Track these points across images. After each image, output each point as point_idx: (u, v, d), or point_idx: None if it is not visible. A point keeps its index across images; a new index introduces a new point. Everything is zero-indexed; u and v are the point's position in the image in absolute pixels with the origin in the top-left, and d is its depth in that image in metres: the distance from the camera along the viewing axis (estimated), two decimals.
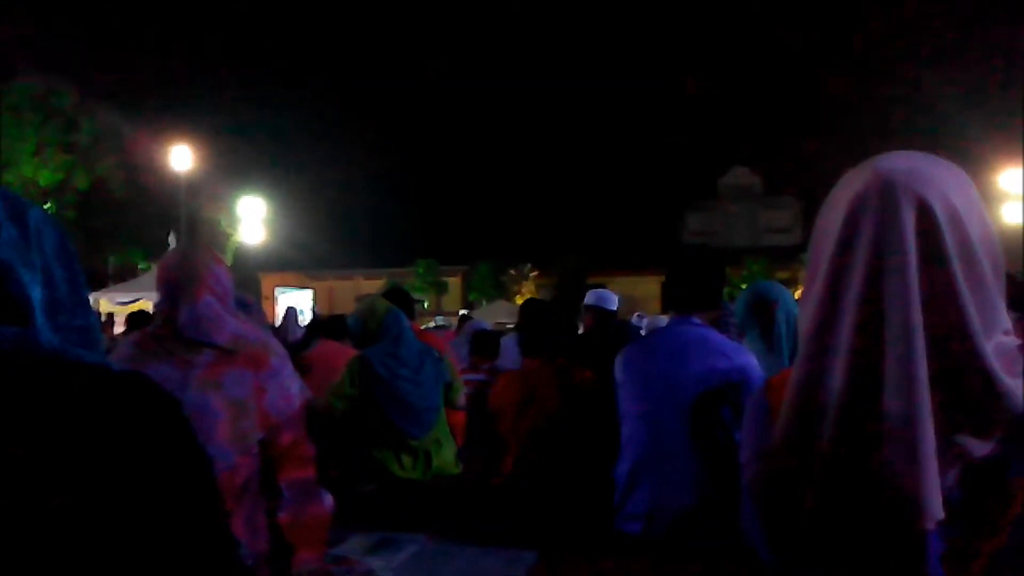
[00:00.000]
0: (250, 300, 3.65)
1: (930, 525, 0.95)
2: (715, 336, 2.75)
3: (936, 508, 0.95)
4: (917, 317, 0.98)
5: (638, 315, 10.79)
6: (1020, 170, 21.82)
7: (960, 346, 0.99)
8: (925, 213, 1.02)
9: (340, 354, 4.58)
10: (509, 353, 5.37)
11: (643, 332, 6.25)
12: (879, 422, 0.97)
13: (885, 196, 1.03)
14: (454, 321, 15.40)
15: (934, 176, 1.05)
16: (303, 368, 4.69)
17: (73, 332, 0.91)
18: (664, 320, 5.06)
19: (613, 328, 5.18)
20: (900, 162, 1.07)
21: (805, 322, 1.09)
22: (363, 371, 3.72)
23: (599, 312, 5.38)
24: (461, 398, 4.20)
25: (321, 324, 6.03)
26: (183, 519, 0.84)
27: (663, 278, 3.02)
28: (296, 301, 20.69)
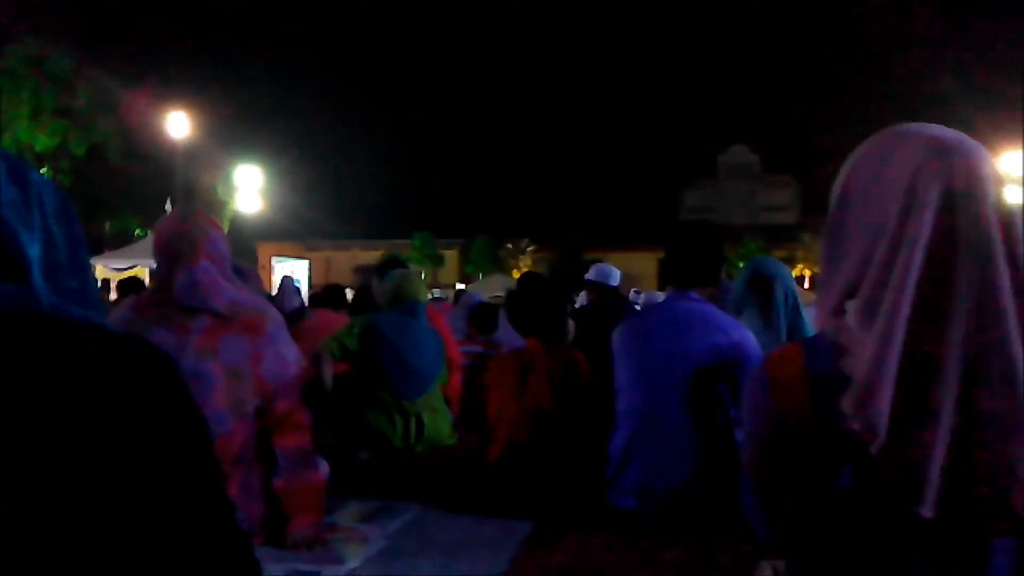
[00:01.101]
0: (246, 267, 3.64)
1: None
2: (713, 312, 2.75)
3: None
4: (1007, 301, 0.98)
5: (635, 291, 10.81)
6: (1020, 153, 21.77)
7: None
8: (986, 179, 1.02)
9: (336, 323, 4.59)
10: (509, 326, 5.37)
11: (639, 307, 6.26)
12: (981, 393, 0.96)
13: (951, 163, 1.02)
14: (450, 294, 15.40)
15: (974, 145, 1.06)
16: (299, 337, 4.70)
17: (72, 293, 0.90)
18: (660, 296, 5.05)
19: (612, 303, 5.19)
20: (946, 131, 1.06)
21: (842, 288, 1.07)
22: (369, 330, 3.75)
23: (600, 287, 5.38)
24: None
25: (323, 295, 6.02)
26: (180, 479, 0.83)
27: (660, 255, 3.00)
28: (292, 271, 20.66)
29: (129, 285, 8.33)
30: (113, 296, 10.59)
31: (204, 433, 0.89)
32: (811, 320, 2.86)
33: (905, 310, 0.98)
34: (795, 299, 2.91)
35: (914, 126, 1.09)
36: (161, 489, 0.81)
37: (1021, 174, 21.97)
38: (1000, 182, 1.03)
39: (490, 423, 3.38)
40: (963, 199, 1.00)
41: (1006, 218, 1.01)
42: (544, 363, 3.31)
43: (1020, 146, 22.19)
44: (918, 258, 0.99)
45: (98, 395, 0.79)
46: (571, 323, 3.70)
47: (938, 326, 0.97)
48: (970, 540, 0.97)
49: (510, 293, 5.84)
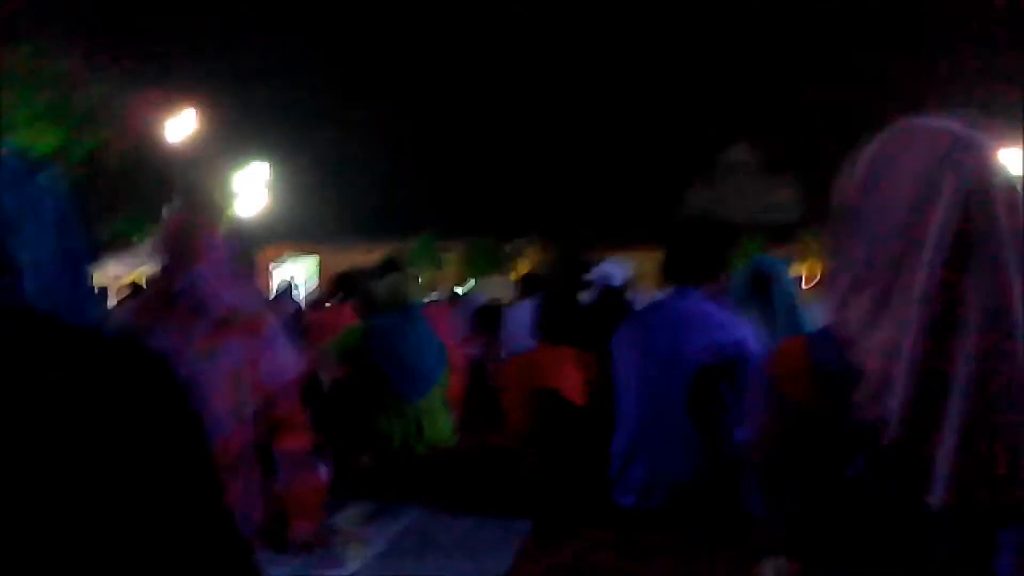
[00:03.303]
0: (244, 271, 3.64)
1: None
2: (714, 310, 2.74)
3: None
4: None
5: (637, 290, 10.75)
6: (1018, 151, 21.78)
7: None
8: (1000, 175, 1.04)
9: (343, 320, 4.61)
10: (515, 326, 5.35)
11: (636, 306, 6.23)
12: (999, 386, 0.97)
13: (965, 155, 1.03)
14: (447, 295, 15.37)
15: (987, 140, 1.07)
16: (304, 335, 4.71)
17: (68, 299, 0.90)
18: (658, 295, 5.03)
19: (612, 304, 5.17)
20: (962, 126, 1.07)
21: (854, 279, 1.07)
22: (369, 333, 3.75)
23: (602, 288, 5.36)
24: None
25: (337, 284, 6.03)
26: (178, 484, 0.83)
27: (660, 254, 3.00)
28: (294, 271, 20.63)
29: (130, 290, 8.35)
30: (114, 301, 10.59)
31: (202, 437, 0.88)
32: (810, 318, 2.86)
33: (921, 303, 0.99)
34: (794, 297, 2.91)
35: (931, 119, 1.09)
36: (158, 494, 0.80)
37: (1019, 172, 21.97)
38: (1009, 179, 1.04)
39: (506, 409, 3.38)
40: (979, 194, 1.01)
41: (1016, 213, 1.01)
42: (578, 368, 3.31)
43: (1018, 144, 22.20)
44: (935, 250, 0.99)
45: (91, 400, 0.79)
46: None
47: (953, 319, 0.98)
48: (977, 531, 0.97)
49: (525, 293, 5.83)
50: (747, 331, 2.68)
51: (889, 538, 1.00)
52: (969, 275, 0.98)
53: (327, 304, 6.13)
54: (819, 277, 1.19)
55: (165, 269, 2.41)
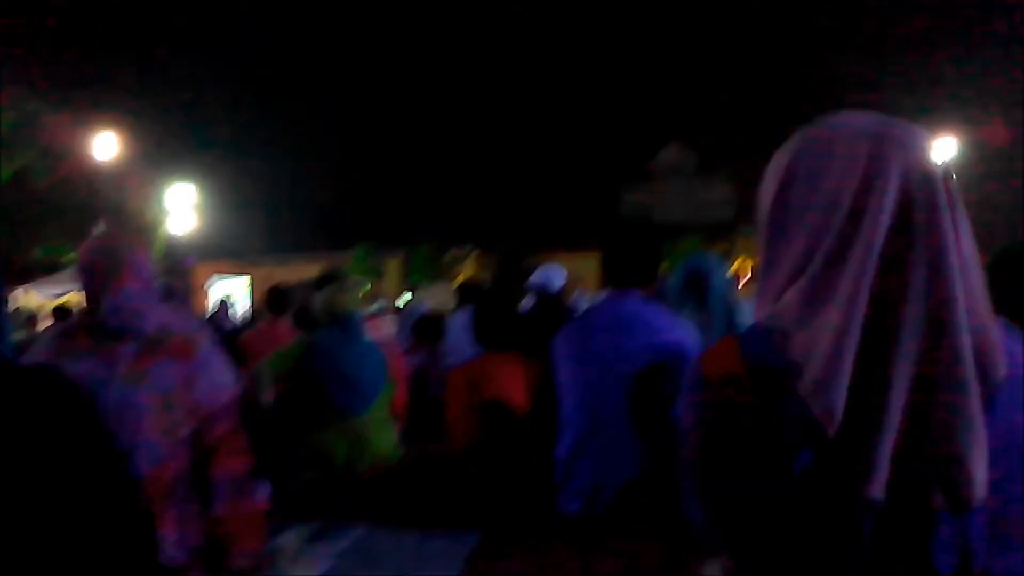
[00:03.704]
0: (178, 288, 3.56)
1: (978, 497, 0.96)
2: (654, 311, 2.76)
3: (982, 482, 0.96)
4: (958, 291, 0.99)
5: (579, 291, 10.81)
6: (952, 139, 22.53)
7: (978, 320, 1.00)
8: (936, 166, 1.04)
9: (280, 337, 4.53)
10: (456, 334, 5.32)
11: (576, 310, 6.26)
12: (933, 386, 0.97)
13: (903, 149, 1.04)
14: (390, 304, 15.25)
15: (922, 133, 1.08)
16: (241, 354, 4.62)
17: None
18: (597, 298, 5.06)
19: (551, 309, 5.18)
20: (890, 121, 1.08)
21: (781, 284, 1.07)
22: (308, 348, 3.69)
23: (541, 293, 5.37)
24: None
25: (268, 300, 5.94)
26: (87, 517, 0.79)
27: (598, 257, 3.01)
28: (231, 289, 20.28)
29: (61, 312, 8.11)
30: (42, 326, 10.29)
31: (118, 466, 0.85)
32: (745, 315, 2.89)
33: (864, 294, 0.99)
34: (729, 296, 2.95)
35: (854, 116, 1.10)
36: (66, 523, 0.76)
37: (954, 159, 22.75)
38: (948, 172, 1.05)
39: (449, 422, 3.35)
40: (919, 188, 1.02)
41: (956, 207, 1.02)
42: (522, 375, 3.30)
43: (951, 132, 22.96)
44: (878, 240, 1.00)
45: None
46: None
47: (895, 311, 0.98)
48: (914, 526, 0.98)
49: (463, 301, 5.79)
50: (685, 331, 2.70)
51: (832, 532, 1.00)
52: (911, 268, 0.99)
53: (260, 321, 6.03)
54: (753, 274, 1.19)
55: (89, 292, 2.33)
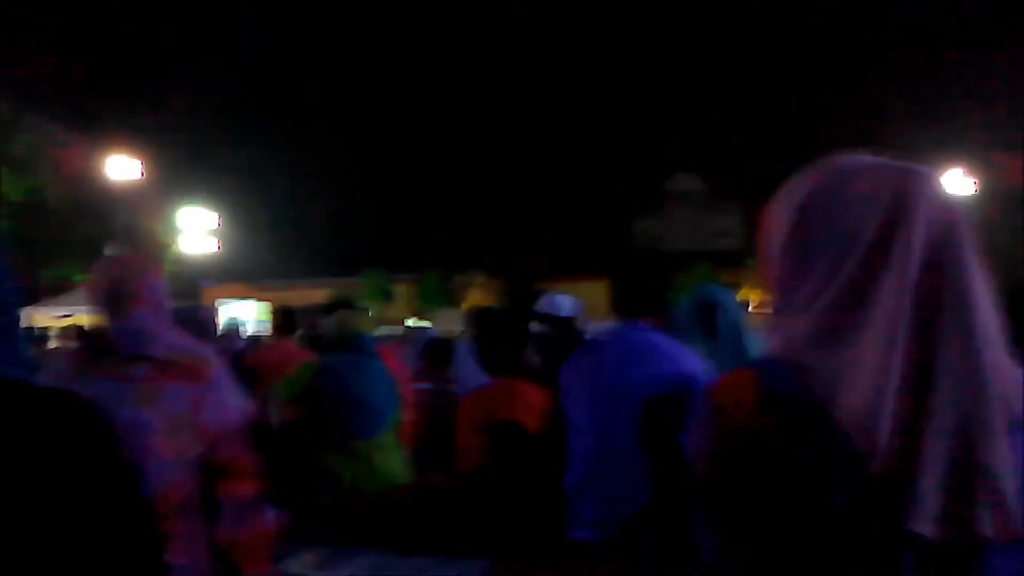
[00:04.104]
0: (203, 308, 3.59)
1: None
2: (663, 341, 2.76)
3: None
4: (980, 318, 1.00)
5: (585, 321, 10.79)
6: (960, 171, 22.55)
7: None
8: (958, 206, 1.06)
9: (291, 357, 4.56)
10: (466, 359, 5.33)
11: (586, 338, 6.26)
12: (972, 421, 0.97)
13: (927, 191, 1.05)
14: (400, 330, 15.29)
15: (935, 173, 1.09)
16: (250, 375, 4.64)
17: None
18: (606, 326, 5.06)
19: (561, 335, 5.18)
20: (912, 163, 1.09)
21: (805, 322, 1.07)
22: (320, 372, 3.70)
23: (551, 319, 5.36)
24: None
25: (277, 321, 5.98)
26: (106, 538, 0.80)
27: (607, 285, 3.02)
28: (241, 311, 20.34)
29: (69, 332, 8.16)
30: (54, 344, 10.34)
31: (134, 489, 0.86)
32: (756, 345, 2.89)
33: (902, 328, 0.99)
34: (740, 326, 2.95)
35: (869, 155, 1.11)
36: (87, 547, 0.77)
37: (970, 193, 22.77)
38: (966, 211, 1.06)
39: (461, 448, 3.35)
40: (944, 220, 1.03)
41: (973, 245, 1.04)
42: (533, 401, 3.31)
43: (961, 164, 22.97)
44: (911, 275, 1.00)
45: (16, 456, 0.76)
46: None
47: (930, 346, 0.99)
48: (963, 558, 0.97)
49: (473, 328, 5.79)
50: (695, 361, 2.70)
51: (867, 568, 0.99)
52: (942, 305, 1.00)
53: (268, 341, 6.07)
54: (764, 303, 1.19)
55: (102, 313, 2.35)
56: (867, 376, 0.98)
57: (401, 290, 46.38)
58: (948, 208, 1.04)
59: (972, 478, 0.96)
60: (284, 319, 5.81)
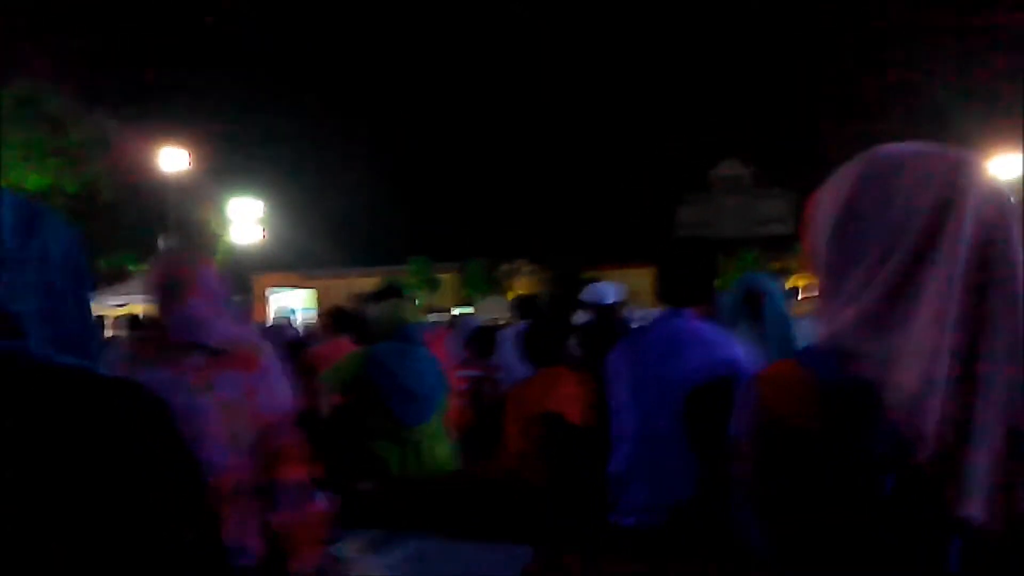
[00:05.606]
0: (241, 301, 3.67)
1: None
2: (708, 329, 2.75)
3: None
4: None
5: (630, 308, 10.77)
6: (1018, 156, 21.92)
7: None
8: (1007, 195, 1.05)
9: (344, 350, 4.62)
10: (511, 347, 5.36)
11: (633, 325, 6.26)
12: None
13: (977, 179, 1.05)
14: (446, 318, 15.37)
15: (984, 161, 1.09)
16: (304, 367, 4.71)
17: (69, 340, 0.91)
18: (651, 314, 5.05)
19: (605, 324, 5.18)
20: (961, 151, 1.09)
21: (863, 311, 1.06)
22: (368, 360, 3.75)
23: (595, 307, 5.37)
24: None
25: (333, 320, 6.02)
26: (169, 523, 0.83)
27: (653, 272, 3.02)
28: (289, 301, 20.62)
29: (124, 322, 8.35)
30: (109, 333, 10.60)
31: (194, 475, 0.89)
32: (803, 332, 2.86)
33: (952, 316, 0.99)
34: (786, 314, 2.92)
35: (913, 144, 1.10)
36: (148, 536, 0.81)
37: (1019, 177, 22.13)
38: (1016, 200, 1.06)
39: (508, 432, 3.38)
40: (995, 210, 1.02)
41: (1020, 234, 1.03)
42: (578, 389, 3.32)
43: (1017, 150, 22.31)
44: (960, 264, 1.00)
45: (84, 445, 0.79)
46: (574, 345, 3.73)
47: (979, 336, 0.98)
48: (1012, 542, 0.97)
49: (517, 316, 5.82)
50: (741, 349, 2.69)
51: (914, 554, 0.99)
52: (990, 295, 0.99)
53: (322, 339, 6.11)
54: (812, 290, 1.18)
55: (158, 302, 2.42)
56: (916, 363, 0.98)
57: (446, 278, 46.56)
58: (997, 194, 1.04)
59: (1022, 463, 0.95)
60: (339, 319, 5.87)
